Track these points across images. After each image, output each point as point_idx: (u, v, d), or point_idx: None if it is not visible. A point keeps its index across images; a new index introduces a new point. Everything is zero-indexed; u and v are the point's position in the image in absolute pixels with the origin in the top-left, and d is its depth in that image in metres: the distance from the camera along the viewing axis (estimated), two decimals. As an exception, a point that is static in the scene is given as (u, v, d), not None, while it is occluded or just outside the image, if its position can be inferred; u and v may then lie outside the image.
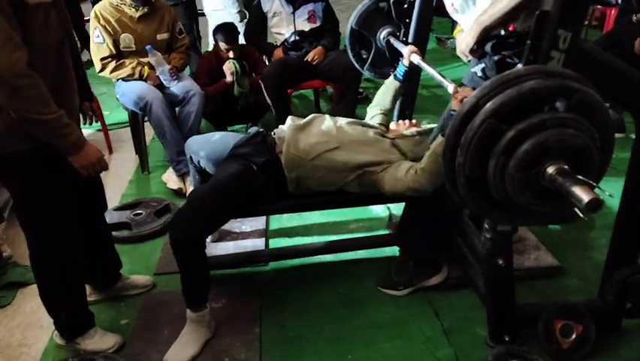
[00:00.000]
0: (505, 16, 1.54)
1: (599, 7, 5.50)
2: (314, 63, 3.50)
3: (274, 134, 2.03)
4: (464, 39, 1.65)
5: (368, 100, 3.10)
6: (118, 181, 3.16)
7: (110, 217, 2.52)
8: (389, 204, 2.63)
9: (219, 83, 3.37)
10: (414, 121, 2.12)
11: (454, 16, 1.82)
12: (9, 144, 1.53)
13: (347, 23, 2.44)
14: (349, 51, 2.49)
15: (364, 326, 1.97)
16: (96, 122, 2.09)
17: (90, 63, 3.14)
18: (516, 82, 1.18)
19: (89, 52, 3.00)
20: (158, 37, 3.04)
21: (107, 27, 2.90)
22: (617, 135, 1.36)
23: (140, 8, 2.94)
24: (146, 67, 3.00)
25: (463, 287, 2.10)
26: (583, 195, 1.08)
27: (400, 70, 2.17)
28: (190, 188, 2.82)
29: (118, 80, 3.06)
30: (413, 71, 2.20)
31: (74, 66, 1.67)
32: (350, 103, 3.49)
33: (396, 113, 2.60)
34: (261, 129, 2.09)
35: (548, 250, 2.29)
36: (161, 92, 3.00)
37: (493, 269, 1.70)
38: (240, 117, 3.64)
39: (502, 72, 1.25)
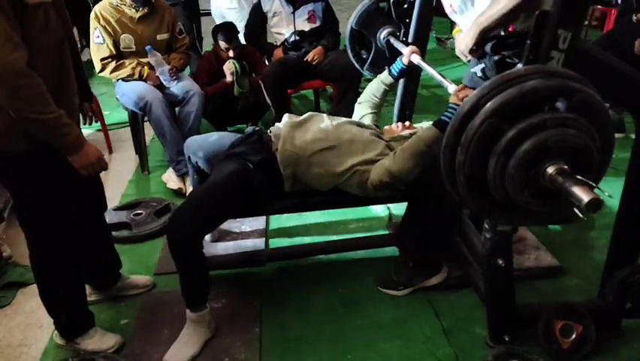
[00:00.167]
0: (503, 17, 1.55)
1: (599, 7, 5.50)
2: (314, 63, 3.50)
3: (270, 132, 2.03)
4: (463, 40, 1.65)
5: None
6: (118, 181, 3.16)
7: (110, 217, 2.52)
8: (389, 204, 2.63)
9: (219, 83, 3.37)
10: (407, 123, 2.11)
11: (453, 17, 1.82)
12: (9, 144, 1.53)
13: (347, 23, 2.44)
14: (349, 51, 2.49)
15: (364, 325, 1.97)
16: (96, 122, 2.09)
17: (90, 63, 3.14)
18: (517, 81, 1.18)
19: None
20: (158, 37, 3.04)
21: (107, 27, 2.90)
22: (616, 135, 1.36)
23: (140, 9, 2.94)
24: (145, 67, 3.00)
25: (463, 287, 2.10)
26: (583, 195, 1.08)
27: (397, 66, 2.17)
28: (190, 188, 2.83)
29: (118, 80, 3.06)
30: (412, 70, 2.20)
31: (74, 66, 1.67)
32: (350, 103, 3.45)
33: (396, 112, 2.60)
34: (257, 128, 2.09)
35: (548, 250, 2.29)
36: (161, 92, 3.00)
37: (493, 269, 1.70)
38: (239, 117, 3.64)
39: (501, 72, 1.26)
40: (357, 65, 2.53)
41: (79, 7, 4.23)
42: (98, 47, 2.93)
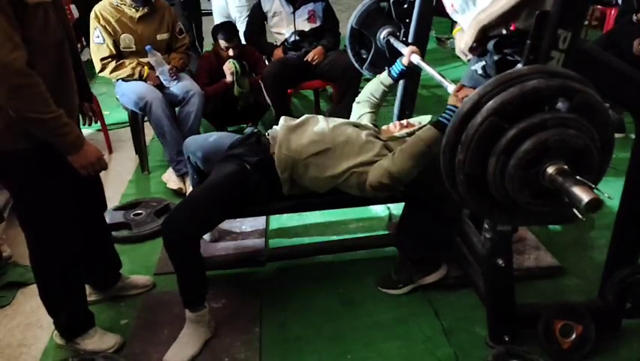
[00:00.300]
0: (504, 15, 1.54)
1: (599, 7, 5.50)
2: (314, 63, 3.50)
3: (268, 134, 2.03)
4: (463, 38, 1.65)
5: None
6: (118, 181, 3.16)
7: (110, 217, 2.52)
8: (389, 204, 2.63)
9: (219, 83, 3.37)
10: (404, 122, 2.10)
11: (455, 16, 1.82)
12: (8, 143, 1.53)
13: (347, 23, 2.44)
14: (349, 50, 2.49)
15: (364, 325, 1.97)
16: (95, 122, 2.09)
17: (90, 63, 3.14)
18: (518, 81, 1.18)
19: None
20: (158, 37, 3.04)
21: (107, 27, 2.90)
22: (616, 135, 1.36)
23: (140, 9, 2.94)
24: (145, 67, 3.00)
25: (462, 287, 2.10)
26: (583, 195, 1.08)
27: (397, 68, 2.16)
28: (190, 188, 2.82)
29: (118, 80, 3.06)
30: (412, 71, 2.20)
31: (74, 66, 1.67)
32: (350, 103, 3.43)
33: (395, 112, 2.60)
34: (256, 129, 2.08)
35: (548, 250, 2.29)
36: (161, 92, 3.00)
37: (492, 269, 1.70)
38: (239, 117, 3.63)
39: (501, 71, 1.26)
40: (356, 65, 2.53)
41: None
42: (98, 46, 2.93)
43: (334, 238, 2.45)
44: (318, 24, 3.64)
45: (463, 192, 1.29)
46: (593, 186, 1.13)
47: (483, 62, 1.79)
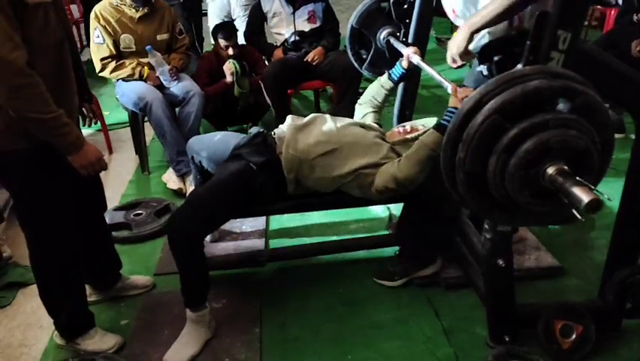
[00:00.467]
0: (496, 18, 1.54)
1: (598, 7, 5.50)
2: (314, 63, 3.50)
3: (274, 134, 2.03)
4: (455, 42, 1.65)
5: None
6: (118, 181, 3.16)
7: (110, 217, 2.52)
8: (389, 205, 2.63)
9: (219, 84, 3.37)
10: (407, 127, 2.10)
11: (457, 21, 1.82)
12: (8, 143, 1.53)
13: (347, 23, 2.44)
14: (349, 50, 2.49)
15: (364, 325, 1.97)
16: (95, 123, 2.09)
17: (90, 63, 3.14)
18: (520, 81, 1.18)
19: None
20: (158, 37, 3.04)
21: (107, 27, 2.90)
22: (616, 136, 1.36)
23: (140, 9, 2.94)
24: (145, 67, 3.00)
25: (463, 287, 2.10)
26: (582, 196, 1.08)
27: (397, 71, 2.16)
28: (190, 188, 2.83)
29: (118, 80, 3.06)
30: (412, 72, 2.20)
31: (74, 66, 1.67)
32: (350, 103, 3.46)
33: (396, 113, 2.60)
34: (262, 129, 2.08)
35: (548, 250, 2.29)
36: (161, 93, 3.00)
37: (493, 269, 1.70)
38: (239, 117, 3.64)
39: (502, 72, 1.26)
40: (356, 65, 2.53)
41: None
42: (98, 46, 2.93)
43: (334, 238, 2.45)
44: (318, 24, 3.64)
45: (463, 191, 1.29)
46: (593, 187, 1.13)
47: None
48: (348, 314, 2.03)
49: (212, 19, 4.12)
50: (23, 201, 1.67)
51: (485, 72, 1.80)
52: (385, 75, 2.21)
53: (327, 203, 2.06)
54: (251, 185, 1.87)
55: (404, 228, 2.12)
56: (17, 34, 1.38)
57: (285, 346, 1.90)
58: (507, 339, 1.79)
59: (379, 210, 2.71)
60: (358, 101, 2.31)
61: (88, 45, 3.20)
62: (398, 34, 2.35)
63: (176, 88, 3.05)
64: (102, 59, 2.95)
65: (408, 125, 2.11)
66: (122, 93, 3.09)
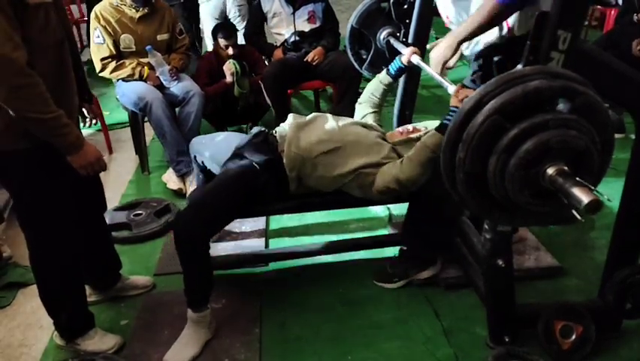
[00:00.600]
0: (479, 28, 1.57)
1: (599, 7, 5.49)
2: (314, 63, 3.50)
3: (275, 132, 2.03)
4: (440, 52, 1.69)
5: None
6: (118, 181, 3.16)
7: (110, 218, 2.52)
8: (389, 205, 2.63)
9: (219, 84, 3.37)
10: (410, 128, 2.10)
11: (451, 27, 1.84)
12: (8, 143, 1.53)
13: (347, 24, 2.44)
14: (349, 50, 2.49)
15: (364, 326, 1.97)
16: (95, 124, 2.09)
17: (90, 63, 3.14)
18: (521, 81, 1.18)
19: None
20: (158, 37, 3.04)
21: (107, 27, 2.90)
22: (616, 136, 1.36)
23: (140, 9, 2.94)
24: (146, 67, 3.00)
25: (463, 287, 2.10)
26: (582, 196, 1.08)
27: (395, 65, 2.16)
28: (190, 188, 2.83)
29: (118, 80, 3.06)
30: (411, 70, 2.20)
31: (74, 67, 1.67)
32: (350, 103, 3.46)
33: (396, 113, 2.60)
34: (263, 128, 2.08)
35: (548, 250, 2.29)
36: (161, 93, 3.00)
37: (493, 270, 1.70)
38: (239, 118, 3.63)
39: (502, 72, 1.26)
40: (356, 65, 2.53)
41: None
42: (98, 46, 2.93)
43: (334, 238, 2.45)
44: (317, 25, 3.64)
45: (463, 191, 1.29)
46: (593, 188, 1.13)
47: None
48: (348, 314, 2.03)
49: (207, 20, 4.07)
50: (23, 201, 1.67)
51: (468, 82, 1.81)
52: (384, 71, 2.21)
53: (328, 203, 2.06)
54: (253, 184, 1.87)
55: (407, 227, 2.12)
56: (17, 34, 1.38)
57: (285, 346, 1.90)
58: (507, 339, 1.78)
59: (379, 210, 2.71)
60: (358, 100, 2.30)
61: (88, 45, 3.19)
62: (398, 34, 2.35)
63: (176, 88, 3.05)
64: (102, 59, 2.95)
65: (410, 126, 2.12)
66: (122, 93, 3.09)
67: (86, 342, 1.86)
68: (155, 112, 2.92)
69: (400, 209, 2.60)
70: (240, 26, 3.90)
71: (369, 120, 2.19)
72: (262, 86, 3.44)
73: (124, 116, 3.59)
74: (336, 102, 3.58)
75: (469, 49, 1.81)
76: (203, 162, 2.13)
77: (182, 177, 2.96)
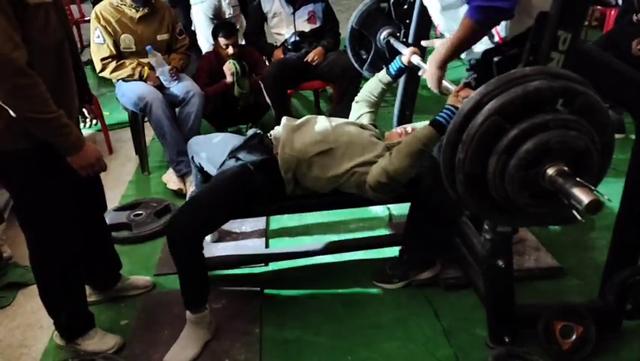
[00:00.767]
0: (459, 49, 1.62)
1: (598, 7, 5.49)
2: (314, 64, 3.50)
3: (270, 135, 2.03)
4: (429, 77, 1.76)
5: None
6: (118, 182, 3.16)
7: (110, 218, 2.52)
8: (389, 205, 2.63)
9: (219, 84, 3.37)
10: (409, 128, 2.10)
11: (445, 35, 1.85)
12: (8, 143, 1.53)
13: (347, 24, 2.44)
14: (349, 51, 2.49)
15: (364, 326, 1.97)
16: (95, 124, 2.09)
17: (90, 63, 3.14)
18: (521, 81, 1.18)
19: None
20: (158, 37, 3.05)
21: (108, 27, 2.90)
22: (616, 136, 1.36)
23: (141, 9, 2.95)
24: (146, 67, 3.01)
25: (462, 288, 2.10)
26: (583, 196, 1.08)
27: (395, 65, 2.16)
28: (190, 188, 2.83)
29: (118, 80, 3.06)
30: (412, 71, 2.20)
31: (74, 67, 1.67)
32: (350, 103, 3.45)
33: (396, 113, 2.60)
34: (259, 131, 2.09)
35: (548, 250, 2.29)
36: (161, 93, 3.00)
37: (493, 270, 1.70)
38: (239, 118, 3.64)
39: (503, 72, 1.26)
40: (356, 65, 2.53)
41: None
42: (99, 47, 2.93)
43: (334, 238, 2.45)
44: (318, 25, 3.64)
45: (463, 192, 1.29)
46: (593, 188, 1.13)
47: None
48: (348, 314, 2.03)
49: (201, 21, 3.98)
50: (23, 201, 1.67)
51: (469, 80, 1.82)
52: (383, 70, 2.21)
53: (326, 203, 2.06)
54: (249, 186, 1.87)
55: (408, 227, 2.12)
56: (17, 34, 1.38)
57: (285, 346, 1.90)
58: (507, 340, 1.78)
59: (379, 210, 2.71)
60: (355, 98, 2.30)
61: (88, 45, 3.20)
62: (398, 34, 2.35)
63: (176, 88, 3.05)
64: (102, 59, 2.95)
65: (409, 126, 2.11)
66: (122, 93, 3.09)
67: (86, 342, 1.86)
68: (155, 112, 2.92)
69: (400, 209, 2.60)
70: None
71: (365, 120, 2.18)
72: (262, 86, 3.44)
73: (124, 117, 3.59)
74: (336, 102, 3.58)
75: (466, 54, 1.81)
76: (200, 163, 2.14)
77: (182, 177, 2.96)
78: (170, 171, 3.04)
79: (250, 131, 2.09)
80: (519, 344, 1.79)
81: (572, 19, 1.33)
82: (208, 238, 2.43)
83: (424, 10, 2.29)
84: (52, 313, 1.83)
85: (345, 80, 3.40)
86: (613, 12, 4.89)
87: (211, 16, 3.97)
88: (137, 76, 2.99)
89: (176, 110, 3.11)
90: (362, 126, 2.06)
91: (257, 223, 2.61)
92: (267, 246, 2.49)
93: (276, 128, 2.05)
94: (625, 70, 1.52)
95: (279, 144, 1.93)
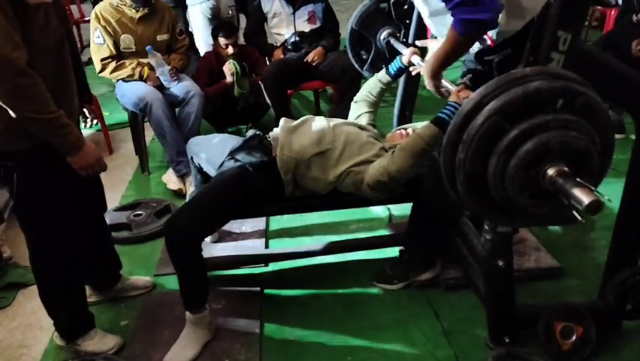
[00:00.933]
0: (449, 59, 1.62)
1: (598, 7, 5.49)
2: (314, 64, 3.50)
3: (269, 136, 2.03)
4: (429, 86, 1.78)
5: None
6: (118, 182, 3.16)
7: (110, 218, 2.52)
8: (389, 205, 2.63)
9: (219, 84, 3.37)
10: (410, 131, 2.10)
11: (439, 37, 1.85)
12: (8, 143, 1.53)
13: (347, 24, 2.44)
14: (349, 51, 2.49)
15: (364, 326, 1.97)
16: (95, 124, 2.09)
17: (90, 63, 3.14)
18: (522, 81, 1.18)
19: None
20: (158, 38, 3.05)
21: (108, 28, 2.90)
22: (617, 136, 1.36)
23: (140, 9, 2.95)
24: (145, 68, 3.00)
25: (463, 288, 2.10)
26: (583, 197, 1.08)
27: (395, 65, 2.16)
28: (190, 188, 2.83)
29: (118, 80, 3.06)
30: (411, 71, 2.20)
31: (74, 67, 1.67)
32: (350, 104, 3.48)
33: (396, 113, 2.60)
34: (258, 132, 2.09)
35: (548, 251, 2.29)
36: (161, 93, 3.00)
37: (493, 270, 1.70)
38: (239, 118, 3.64)
39: (503, 72, 1.26)
40: (356, 66, 2.53)
41: None
42: (99, 47, 2.93)
43: (334, 238, 2.45)
44: (318, 25, 3.64)
45: (463, 192, 1.29)
46: (593, 188, 1.13)
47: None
48: (349, 315, 2.03)
49: (200, 21, 3.96)
50: (23, 201, 1.67)
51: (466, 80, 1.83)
52: (383, 70, 2.21)
53: (326, 204, 2.06)
54: (249, 187, 1.87)
55: (410, 227, 2.12)
56: (17, 35, 1.38)
57: (285, 347, 1.90)
58: (507, 340, 1.78)
59: (379, 211, 2.71)
60: (354, 98, 2.30)
61: (88, 45, 3.20)
62: (398, 34, 2.35)
63: (176, 88, 3.05)
64: (102, 60, 2.95)
65: (410, 127, 2.11)
66: (122, 94, 3.08)
67: (86, 343, 1.86)
68: (155, 112, 2.92)
69: (400, 209, 2.60)
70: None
71: (364, 120, 2.18)
72: (262, 86, 3.44)
73: (124, 117, 3.59)
74: (336, 103, 3.58)
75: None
76: (199, 164, 2.14)
77: (182, 177, 2.96)
78: (170, 171, 3.04)
79: (249, 132, 2.09)
80: (519, 344, 1.78)
81: (572, 19, 1.33)
82: (208, 238, 2.42)
83: (423, 10, 2.30)
84: (52, 313, 1.82)
85: (346, 80, 3.40)
86: (613, 12, 4.88)
87: (209, 17, 3.96)
88: (137, 76, 2.99)
89: (176, 110, 3.11)
90: (360, 127, 2.06)
91: (257, 224, 2.61)
92: (266, 246, 2.49)
93: (275, 129, 2.05)
94: (625, 70, 1.52)
95: (277, 145, 1.93)
